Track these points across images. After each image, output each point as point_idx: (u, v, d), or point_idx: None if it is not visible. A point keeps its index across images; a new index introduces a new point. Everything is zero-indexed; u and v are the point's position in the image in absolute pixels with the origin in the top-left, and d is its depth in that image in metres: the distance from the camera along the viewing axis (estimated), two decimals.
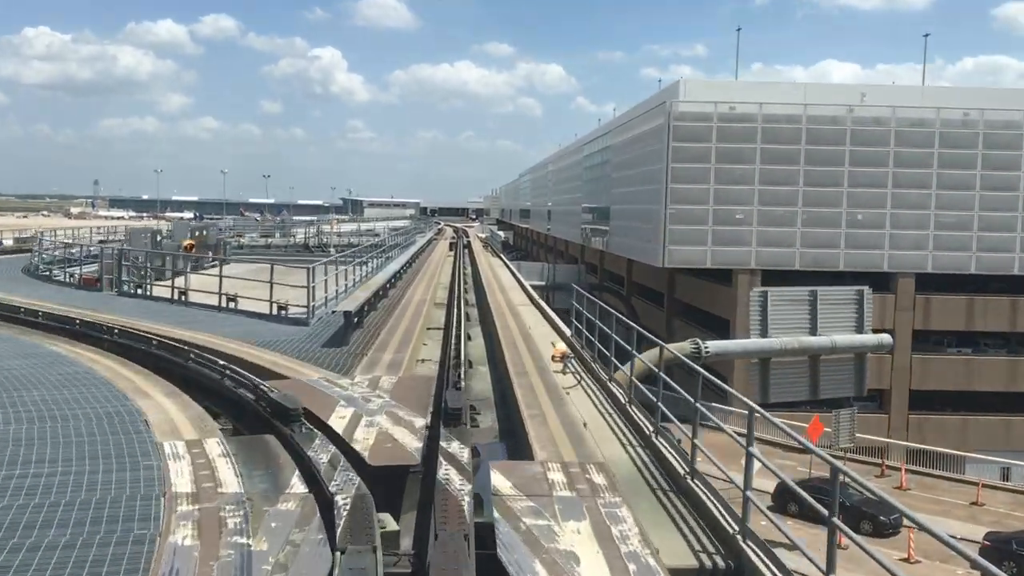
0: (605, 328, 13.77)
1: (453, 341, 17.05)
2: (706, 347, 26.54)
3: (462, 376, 13.13)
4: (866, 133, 47.28)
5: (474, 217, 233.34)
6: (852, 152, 47.36)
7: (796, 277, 48.47)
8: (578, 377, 13.72)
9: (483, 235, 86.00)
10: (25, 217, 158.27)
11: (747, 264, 47.72)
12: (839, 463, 6.36)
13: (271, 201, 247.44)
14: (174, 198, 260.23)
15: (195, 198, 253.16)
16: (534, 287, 44.94)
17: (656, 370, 10.75)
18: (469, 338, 19.27)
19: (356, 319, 17.53)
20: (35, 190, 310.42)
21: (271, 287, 20.11)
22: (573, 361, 14.32)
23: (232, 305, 21.15)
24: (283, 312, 19.83)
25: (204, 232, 35.83)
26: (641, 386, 11.60)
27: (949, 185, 47.22)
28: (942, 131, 47.01)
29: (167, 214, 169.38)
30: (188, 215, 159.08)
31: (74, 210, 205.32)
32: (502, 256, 55.41)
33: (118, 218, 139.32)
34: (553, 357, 14.66)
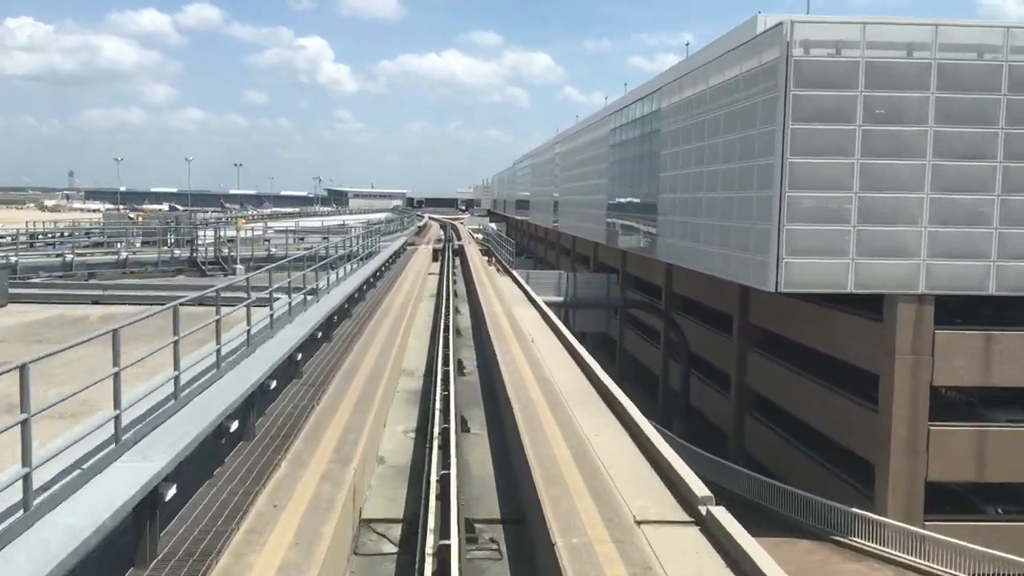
0: None
1: None
2: None
3: None
4: None
5: (464, 208, 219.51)
6: None
7: (985, 308, 30.57)
8: None
9: (479, 233, 66.88)
10: None
11: (912, 287, 29.46)
12: None
13: (252, 192, 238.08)
14: (152, 189, 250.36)
15: (174, 189, 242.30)
16: (550, 304, 28.43)
17: None
18: None
19: None
20: (19, 183, 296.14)
21: None
22: None
23: None
24: None
25: None
26: None
27: None
28: None
29: (145, 206, 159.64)
30: (165, 207, 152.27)
31: (48, 203, 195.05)
32: (515, 274, 36.17)
33: (94, 210, 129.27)
34: None
